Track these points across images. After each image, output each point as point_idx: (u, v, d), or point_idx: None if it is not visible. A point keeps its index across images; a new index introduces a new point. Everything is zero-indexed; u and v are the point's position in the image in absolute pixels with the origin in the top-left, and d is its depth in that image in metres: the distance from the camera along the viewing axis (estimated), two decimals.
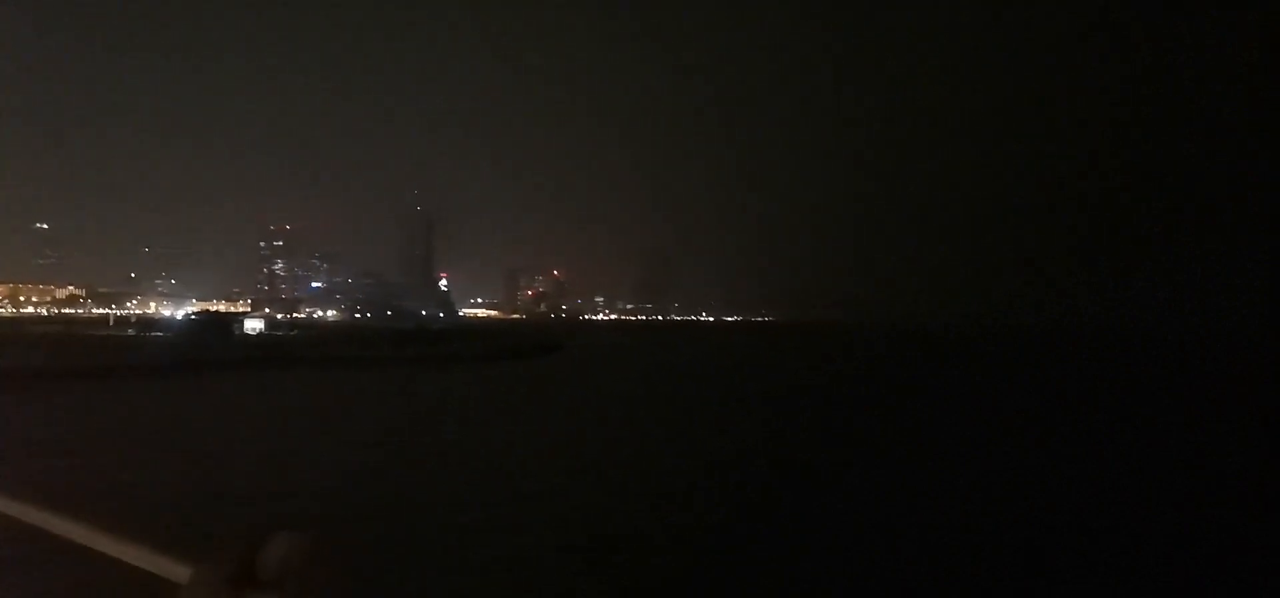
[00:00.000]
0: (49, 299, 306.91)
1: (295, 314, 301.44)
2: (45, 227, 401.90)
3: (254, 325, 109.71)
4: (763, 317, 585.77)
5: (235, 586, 1.25)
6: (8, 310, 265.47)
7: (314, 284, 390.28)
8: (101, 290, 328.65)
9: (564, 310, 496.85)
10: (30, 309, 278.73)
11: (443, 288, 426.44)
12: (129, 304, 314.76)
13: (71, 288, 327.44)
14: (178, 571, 1.32)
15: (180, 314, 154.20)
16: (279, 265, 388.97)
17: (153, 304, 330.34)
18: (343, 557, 13.17)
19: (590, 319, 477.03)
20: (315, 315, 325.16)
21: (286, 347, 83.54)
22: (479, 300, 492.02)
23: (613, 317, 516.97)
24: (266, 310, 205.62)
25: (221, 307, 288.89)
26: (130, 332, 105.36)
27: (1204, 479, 26.99)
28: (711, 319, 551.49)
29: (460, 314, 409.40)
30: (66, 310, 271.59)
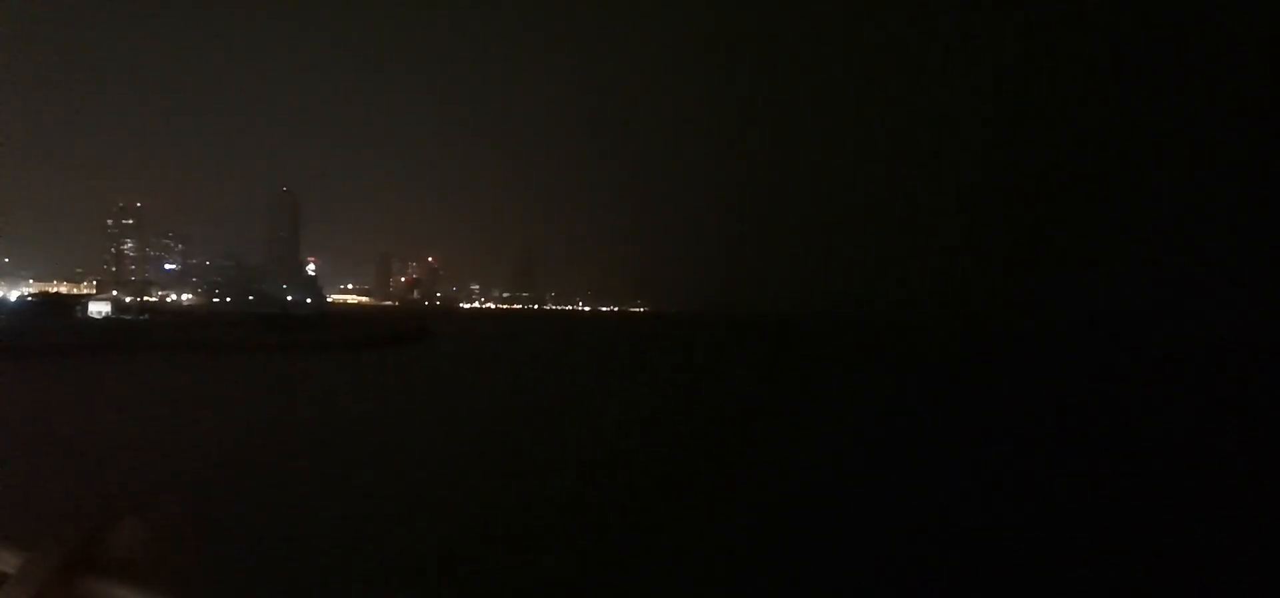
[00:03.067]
0: None
1: (147, 297, 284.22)
2: None
3: (100, 308, 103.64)
4: (637, 307, 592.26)
5: (69, 572, 1.21)
6: None
7: (168, 266, 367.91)
8: None
9: (439, 298, 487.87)
10: None
11: (310, 273, 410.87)
12: None
13: None
14: (5, 558, 1.27)
15: (14, 295, 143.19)
16: (129, 245, 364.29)
17: None
18: (184, 541, 13.74)
19: (466, 307, 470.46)
20: (169, 299, 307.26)
21: (136, 332, 79.64)
22: (350, 286, 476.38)
23: (488, 305, 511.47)
24: (114, 293, 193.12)
25: (63, 288, 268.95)
26: None
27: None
28: (587, 309, 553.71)
29: (329, 300, 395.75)
30: None
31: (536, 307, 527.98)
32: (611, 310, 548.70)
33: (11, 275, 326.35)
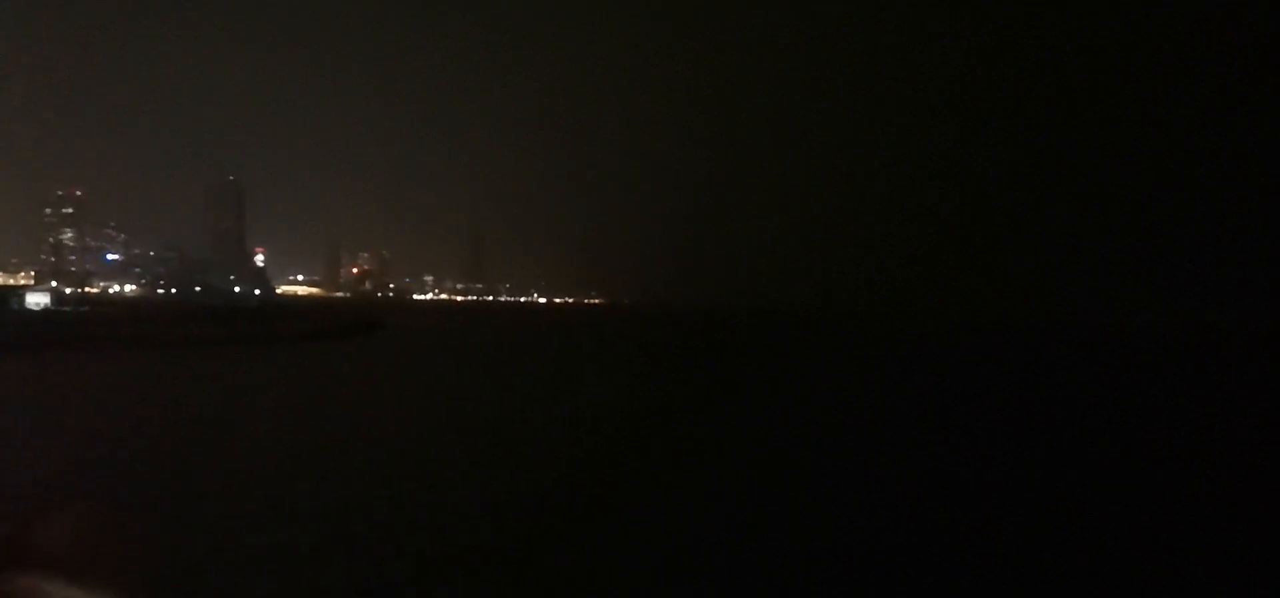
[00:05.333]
0: None
1: (87, 289, 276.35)
2: None
3: (38, 300, 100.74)
4: (592, 299, 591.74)
5: None
6: None
7: (109, 256, 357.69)
8: None
9: (392, 289, 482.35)
10: None
11: (258, 263, 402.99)
12: None
13: None
14: None
15: None
16: (68, 235, 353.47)
17: None
18: (111, 536, 13.73)
19: (419, 298, 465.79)
20: (112, 290, 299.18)
21: (77, 324, 77.65)
22: (299, 277, 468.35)
23: (442, 296, 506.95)
24: (53, 284, 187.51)
25: None
26: None
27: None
28: (542, 300, 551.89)
29: (279, 291, 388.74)
30: None
31: (491, 298, 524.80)
32: (566, 302, 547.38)
33: None
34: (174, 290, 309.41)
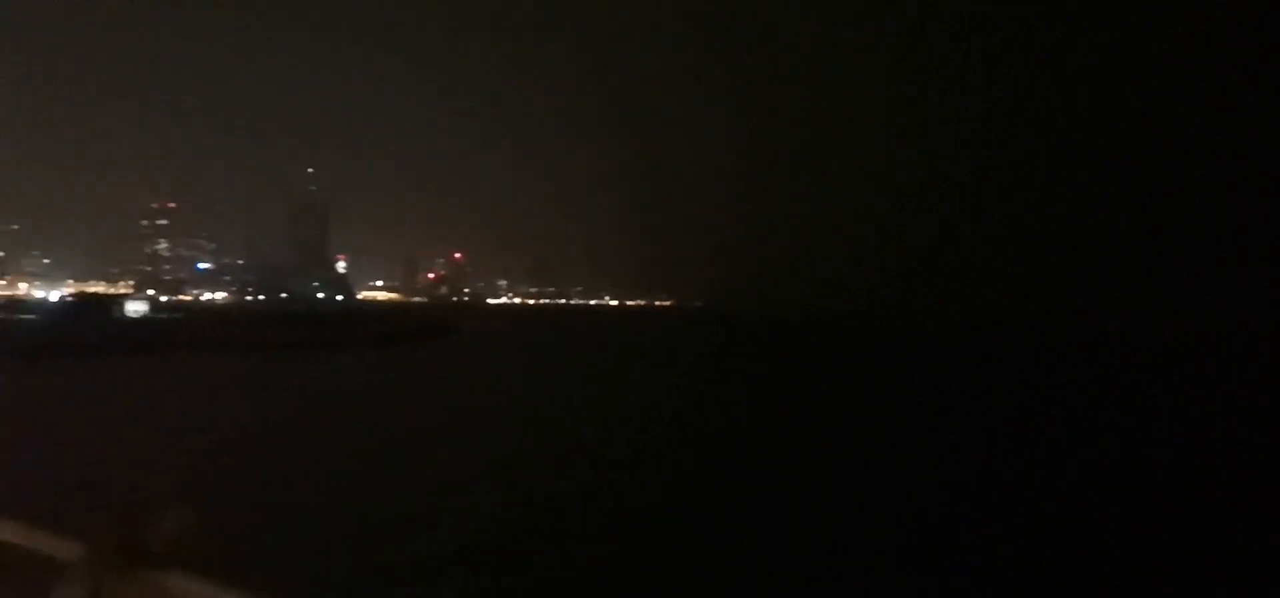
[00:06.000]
0: None
1: (181, 296, 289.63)
2: None
3: (137, 307, 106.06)
4: (663, 301, 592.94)
5: (124, 560, 1.25)
6: None
7: (201, 265, 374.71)
8: None
9: (467, 294, 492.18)
10: None
11: (340, 270, 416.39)
12: None
13: None
14: (65, 548, 1.31)
15: (55, 296, 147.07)
16: (163, 245, 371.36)
17: (22, 285, 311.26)
18: (229, 531, 14.56)
19: (492, 303, 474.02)
20: (203, 297, 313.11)
21: (171, 330, 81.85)
22: (378, 283, 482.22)
23: (515, 300, 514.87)
24: (150, 292, 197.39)
25: (100, 288, 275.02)
26: None
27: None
28: (614, 303, 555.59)
29: (359, 297, 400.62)
30: None
31: (563, 301, 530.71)
32: (637, 305, 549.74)
33: (51, 276, 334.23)
34: (261, 297, 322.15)
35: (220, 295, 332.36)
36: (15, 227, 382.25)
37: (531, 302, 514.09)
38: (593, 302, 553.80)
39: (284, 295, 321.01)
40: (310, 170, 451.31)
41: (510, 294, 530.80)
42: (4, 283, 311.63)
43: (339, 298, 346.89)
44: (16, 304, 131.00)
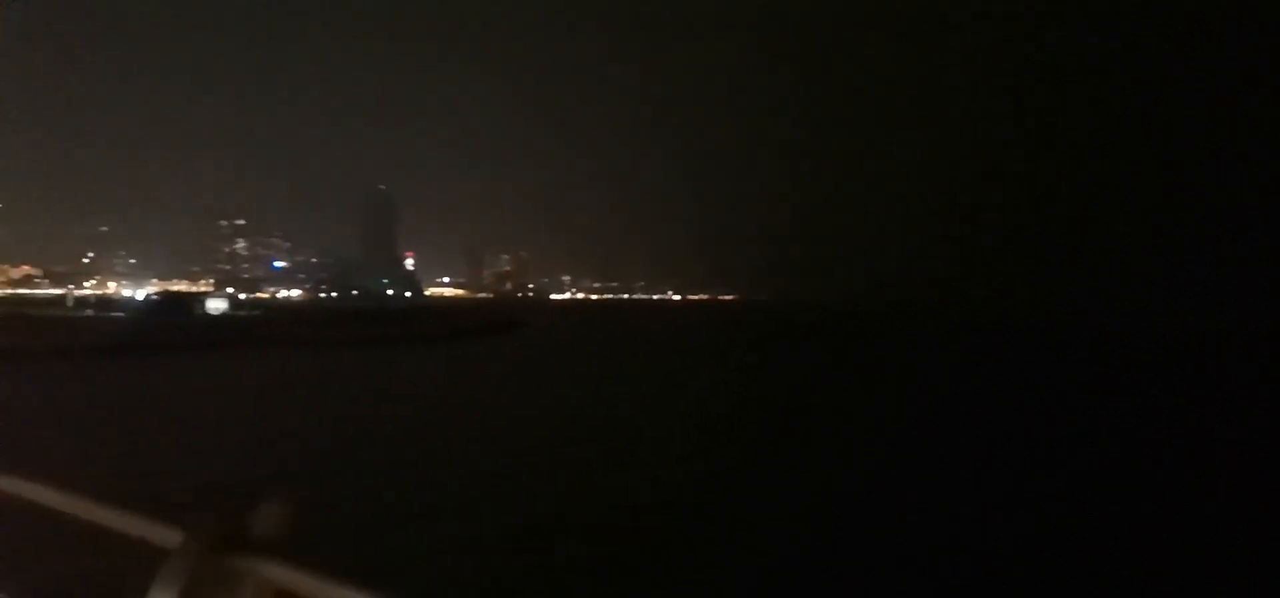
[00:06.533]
0: (2, 279, 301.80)
1: (258, 294, 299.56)
2: None
3: (217, 305, 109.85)
4: (726, 295, 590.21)
5: (224, 548, 1.28)
6: None
7: (276, 263, 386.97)
8: (57, 270, 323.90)
9: (531, 289, 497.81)
10: None
11: (408, 267, 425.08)
12: (86, 284, 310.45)
13: (26, 267, 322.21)
14: (167, 535, 1.34)
15: (140, 294, 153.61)
16: (241, 244, 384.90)
17: (111, 284, 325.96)
18: (324, 522, 15.18)
19: (557, 298, 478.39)
20: (279, 295, 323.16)
21: (250, 327, 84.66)
22: (445, 279, 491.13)
23: (579, 295, 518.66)
24: (230, 290, 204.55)
25: (182, 286, 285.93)
26: (88, 312, 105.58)
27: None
28: (677, 298, 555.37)
29: (426, 293, 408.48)
30: (21, 290, 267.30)
31: (626, 296, 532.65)
32: (700, 299, 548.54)
33: (137, 275, 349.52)
34: (333, 294, 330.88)
35: (295, 293, 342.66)
36: (104, 228, 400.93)
37: (594, 297, 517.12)
38: (655, 296, 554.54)
39: (355, 293, 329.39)
40: (377, 166, 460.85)
41: (573, 290, 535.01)
42: (94, 282, 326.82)
43: (407, 294, 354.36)
44: (107, 302, 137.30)
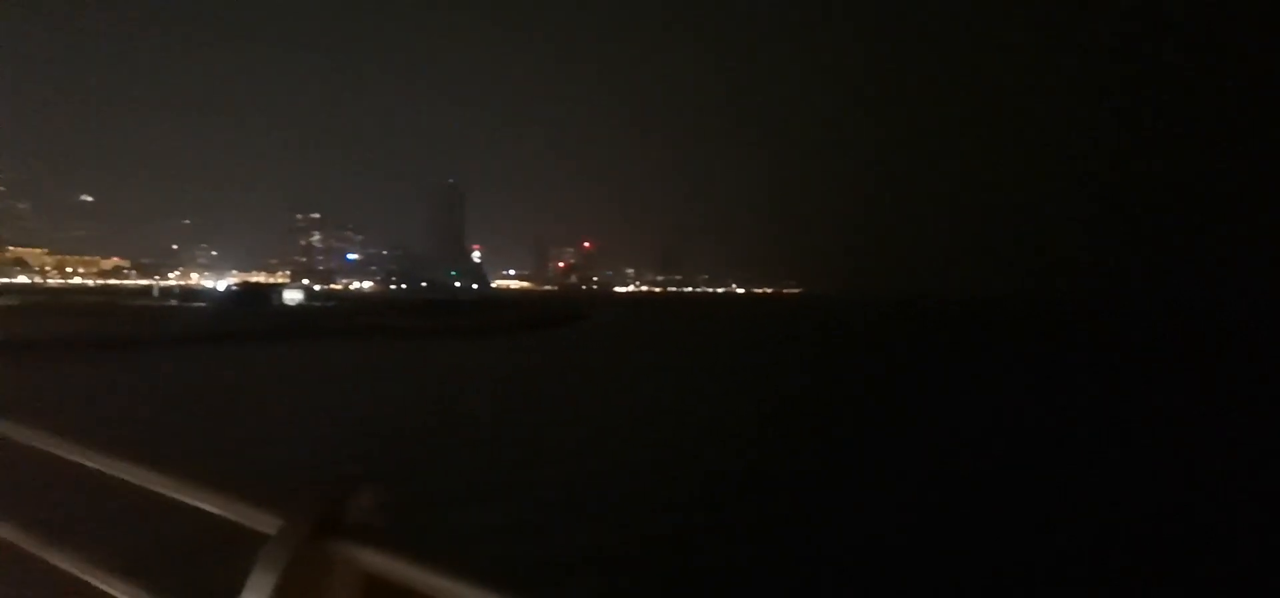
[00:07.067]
0: (94, 270, 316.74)
1: (332, 285, 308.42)
2: (90, 199, 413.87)
3: (294, 296, 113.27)
4: (790, 288, 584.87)
5: (322, 533, 1.30)
6: (55, 280, 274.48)
7: (349, 256, 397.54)
8: (144, 261, 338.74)
9: (595, 282, 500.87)
10: (77, 279, 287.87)
11: (475, 259, 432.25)
12: (170, 275, 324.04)
13: (116, 259, 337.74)
14: (265, 520, 1.37)
15: (221, 285, 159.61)
16: (315, 237, 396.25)
17: (193, 275, 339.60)
18: (418, 509, 15.87)
19: (620, 291, 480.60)
20: (352, 286, 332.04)
21: (324, 318, 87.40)
22: (511, 272, 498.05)
23: (642, 288, 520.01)
24: (305, 282, 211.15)
25: (260, 278, 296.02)
26: (173, 302, 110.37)
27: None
28: (740, 291, 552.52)
29: (493, 285, 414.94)
30: (111, 281, 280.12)
31: (690, 289, 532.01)
32: (764, 293, 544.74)
33: (217, 267, 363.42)
34: (403, 286, 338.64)
35: (367, 285, 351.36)
36: (186, 222, 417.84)
37: (658, 290, 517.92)
38: (719, 289, 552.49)
39: (423, 285, 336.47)
40: (446, 160, 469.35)
41: (637, 282, 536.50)
42: (178, 274, 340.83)
43: (474, 286, 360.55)
44: (190, 293, 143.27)
